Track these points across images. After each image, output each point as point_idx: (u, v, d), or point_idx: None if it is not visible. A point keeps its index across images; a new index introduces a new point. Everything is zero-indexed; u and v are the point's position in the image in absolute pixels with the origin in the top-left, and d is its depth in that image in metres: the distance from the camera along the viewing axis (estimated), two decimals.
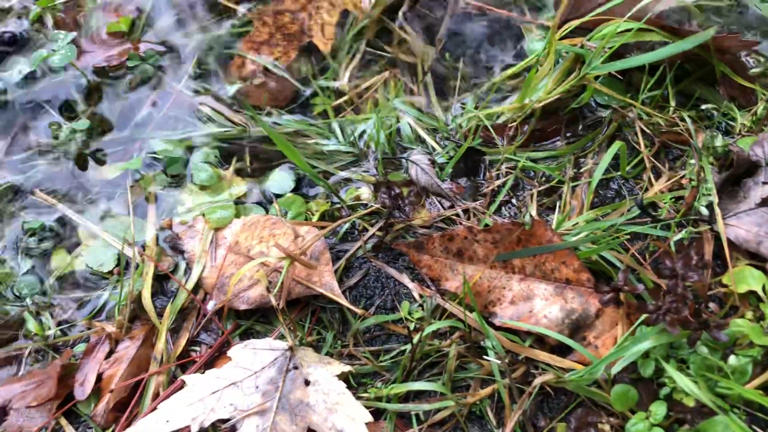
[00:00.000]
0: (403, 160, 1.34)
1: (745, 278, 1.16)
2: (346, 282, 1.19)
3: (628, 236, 1.21)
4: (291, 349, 1.08)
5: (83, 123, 1.31)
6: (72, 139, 1.32)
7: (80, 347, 1.15)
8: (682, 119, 1.35)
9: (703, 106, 1.38)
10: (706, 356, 1.06)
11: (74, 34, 1.36)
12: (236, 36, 1.50)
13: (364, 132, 1.38)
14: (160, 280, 1.21)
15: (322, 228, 1.19)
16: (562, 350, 1.11)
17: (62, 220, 1.28)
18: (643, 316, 1.07)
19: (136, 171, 1.31)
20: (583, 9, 1.41)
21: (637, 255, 1.20)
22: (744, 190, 1.25)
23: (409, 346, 1.09)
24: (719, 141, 1.32)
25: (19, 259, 1.24)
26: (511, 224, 1.16)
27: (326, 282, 1.14)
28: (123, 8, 1.50)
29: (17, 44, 1.44)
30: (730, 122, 1.37)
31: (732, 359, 1.06)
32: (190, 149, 1.36)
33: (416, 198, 1.29)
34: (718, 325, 1.06)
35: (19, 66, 1.39)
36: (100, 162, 1.34)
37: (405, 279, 1.19)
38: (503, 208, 1.29)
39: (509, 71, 1.45)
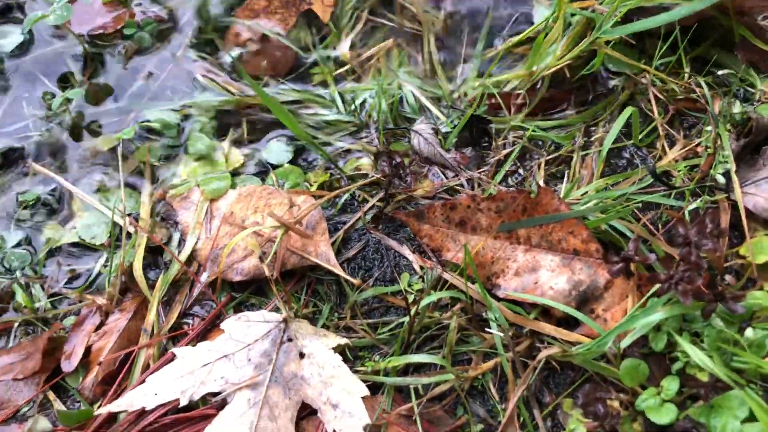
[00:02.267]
0: (406, 130, 1.29)
1: (763, 249, 1.10)
2: (344, 253, 1.15)
3: (640, 205, 1.16)
4: (285, 321, 1.04)
5: (76, 92, 1.28)
6: (65, 110, 1.29)
7: (70, 320, 1.11)
8: (698, 85, 1.28)
9: (720, 72, 1.31)
10: (721, 329, 1.01)
11: None
12: (235, 3, 1.45)
13: (365, 101, 1.33)
14: (154, 252, 1.18)
15: (320, 197, 1.15)
16: (569, 323, 1.06)
17: (56, 192, 1.25)
18: (655, 287, 1.02)
19: (130, 142, 1.27)
20: None
21: (648, 225, 1.14)
22: (763, 158, 1.19)
23: (408, 318, 1.05)
24: (737, 108, 1.26)
25: (11, 230, 1.21)
26: (516, 192, 1.10)
27: (322, 252, 1.10)
28: None
29: (10, 12, 1.41)
30: (749, 88, 1.31)
31: (749, 332, 1.00)
32: (187, 119, 1.32)
33: (419, 168, 1.25)
34: (734, 296, 1.00)
35: (13, 34, 1.36)
36: (95, 133, 1.31)
37: (405, 250, 1.14)
38: (509, 178, 1.24)
39: (517, 38, 1.39)
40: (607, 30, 1.22)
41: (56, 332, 1.09)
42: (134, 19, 1.38)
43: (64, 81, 1.38)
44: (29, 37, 1.38)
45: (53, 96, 1.32)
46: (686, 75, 1.30)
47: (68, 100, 1.28)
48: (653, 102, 1.27)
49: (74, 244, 1.20)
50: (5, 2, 1.42)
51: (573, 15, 1.30)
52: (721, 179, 1.17)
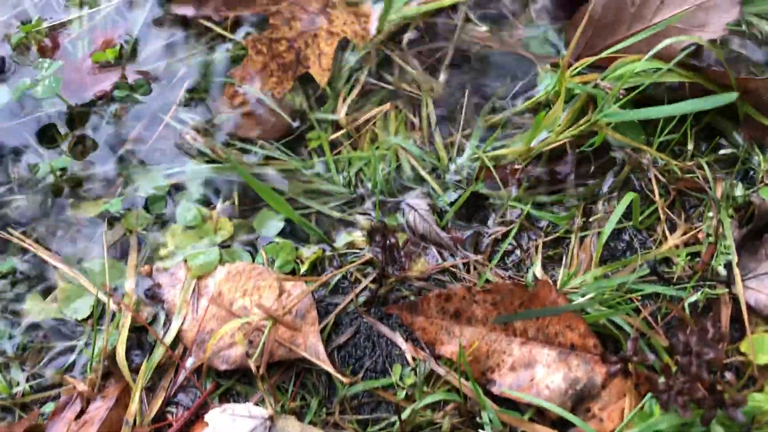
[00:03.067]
0: (401, 204, 1.26)
1: (764, 347, 1.08)
2: (334, 340, 1.11)
3: (640, 298, 1.13)
4: (271, 418, 1.00)
5: (63, 161, 1.24)
6: (54, 177, 1.25)
7: (49, 406, 1.08)
8: (700, 167, 1.26)
9: (722, 152, 1.29)
10: None
11: (60, 63, 1.28)
12: (229, 64, 1.42)
13: (361, 170, 1.30)
14: (138, 331, 1.14)
15: (310, 281, 1.11)
16: (565, 424, 1.03)
17: (37, 262, 1.21)
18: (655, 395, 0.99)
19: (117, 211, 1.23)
20: (599, 45, 1.32)
21: (648, 318, 1.12)
22: (766, 247, 1.16)
23: (401, 415, 1.01)
24: (739, 190, 1.24)
25: None
26: (512, 284, 1.08)
27: (311, 344, 1.06)
28: (110, 32, 1.42)
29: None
30: (752, 168, 1.28)
31: None
32: (176, 187, 1.28)
33: (413, 247, 1.21)
34: (734, 402, 0.97)
35: (1, 94, 1.32)
36: (81, 199, 1.27)
37: (398, 338, 1.11)
38: (506, 258, 1.21)
39: (518, 107, 1.36)
40: (609, 113, 1.20)
41: (35, 420, 1.05)
42: (126, 80, 1.34)
43: (51, 141, 1.34)
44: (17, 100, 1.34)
45: (36, 164, 1.28)
46: (689, 153, 1.28)
47: (54, 169, 1.24)
48: (654, 183, 1.25)
49: (56, 320, 1.16)
50: None
51: (575, 89, 1.27)
52: (723, 271, 1.14)
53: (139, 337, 1.14)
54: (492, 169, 1.26)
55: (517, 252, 1.21)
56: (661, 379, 0.97)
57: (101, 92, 1.34)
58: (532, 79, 1.41)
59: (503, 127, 1.35)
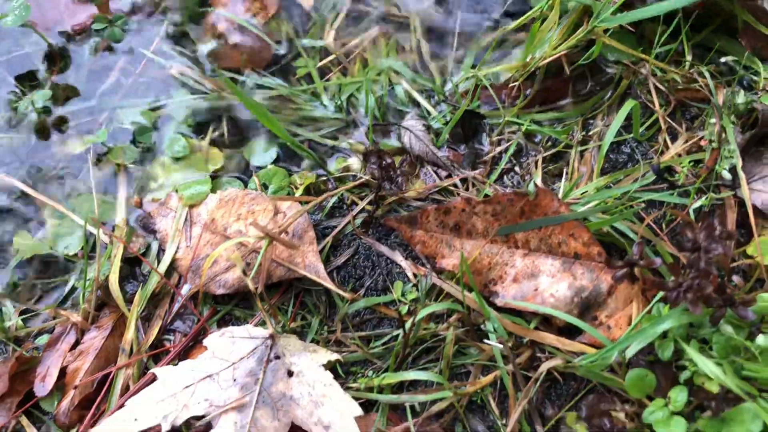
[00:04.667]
0: (396, 126, 1.22)
1: None
2: (333, 261, 1.08)
3: (643, 204, 1.10)
4: (272, 337, 0.98)
5: (43, 94, 1.20)
6: (34, 111, 1.21)
7: (43, 339, 1.05)
8: (701, 74, 1.22)
9: (723, 59, 1.25)
10: (730, 335, 0.96)
11: None
12: None
13: (352, 95, 1.26)
14: (131, 263, 1.11)
15: (306, 203, 1.08)
16: (571, 332, 1.01)
17: (26, 199, 1.17)
18: (661, 293, 0.97)
19: (103, 144, 1.20)
20: None
21: (653, 225, 1.09)
22: None
23: (402, 331, 0.99)
24: (741, 97, 1.20)
25: None
26: (513, 194, 1.04)
27: (310, 263, 1.03)
28: None
29: None
30: (753, 77, 1.25)
31: (760, 339, 0.95)
32: (163, 119, 1.24)
33: (410, 168, 1.18)
34: (743, 301, 0.95)
35: None
36: (66, 135, 1.23)
37: (398, 257, 1.08)
38: (505, 176, 1.18)
39: (511, 25, 1.32)
40: (606, 18, 1.16)
41: (28, 352, 1.02)
42: (105, 13, 1.29)
43: (31, 79, 1.29)
44: None
45: (19, 98, 1.24)
46: (688, 63, 1.24)
47: (34, 103, 1.20)
48: (654, 93, 1.21)
49: (46, 256, 1.13)
50: None
51: (569, 1, 1.23)
52: (727, 175, 1.12)
53: (133, 269, 1.11)
54: (488, 86, 1.23)
55: (517, 169, 1.18)
56: (671, 278, 0.94)
57: (78, 25, 1.29)
58: (526, 1, 1.37)
59: (497, 47, 1.31)
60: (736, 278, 1.06)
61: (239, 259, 0.96)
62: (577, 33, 1.21)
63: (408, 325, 0.95)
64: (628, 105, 1.13)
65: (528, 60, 1.23)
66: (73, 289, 1.10)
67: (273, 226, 1.04)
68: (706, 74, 1.22)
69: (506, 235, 1.05)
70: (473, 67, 1.29)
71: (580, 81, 1.27)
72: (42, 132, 1.23)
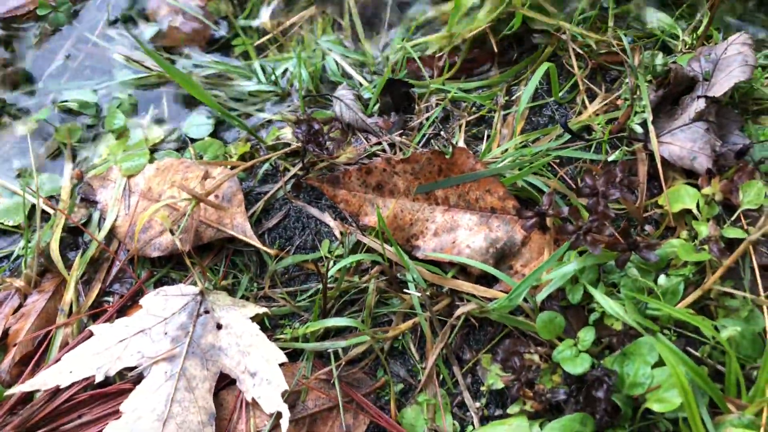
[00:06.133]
0: (329, 98, 1.28)
1: (680, 197, 1.10)
2: (264, 224, 1.14)
3: (558, 161, 1.16)
4: (202, 293, 1.03)
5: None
6: None
7: None
8: (618, 39, 1.28)
9: (649, 25, 1.31)
10: (636, 278, 1.01)
11: None
12: None
13: (287, 71, 1.32)
14: (75, 233, 1.16)
15: (235, 165, 1.13)
16: (489, 281, 1.06)
17: None
18: (569, 242, 1.02)
19: (49, 123, 1.25)
20: None
21: (567, 179, 1.15)
22: (681, 107, 1.19)
23: (322, 281, 1.05)
24: (659, 59, 1.26)
25: None
26: (430, 153, 1.10)
27: (238, 224, 1.09)
28: None
29: None
30: (672, 40, 1.31)
31: (662, 279, 1.01)
32: (106, 98, 1.30)
33: (341, 135, 1.24)
34: (648, 245, 1.01)
35: None
36: (14, 117, 1.28)
37: (326, 217, 1.13)
38: (432, 140, 1.23)
39: (441, 7, 1.37)
40: None
41: None
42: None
43: None
44: None
45: None
46: (609, 29, 1.30)
47: None
48: (573, 57, 1.27)
49: None
50: None
51: None
52: (639, 129, 1.17)
53: (76, 238, 1.16)
54: (416, 58, 1.28)
55: (442, 133, 1.24)
56: (570, 225, 1.00)
57: (20, 9, 1.35)
58: None
59: (427, 24, 1.36)
60: (648, 228, 1.11)
61: (166, 218, 1.01)
62: (498, 9, 1.26)
63: (326, 274, 1.00)
64: (543, 67, 1.18)
65: (453, 32, 1.28)
66: (17, 259, 1.15)
67: (202, 189, 1.09)
68: (624, 39, 1.27)
69: (427, 193, 1.11)
70: (402, 40, 1.34)
71: (507, 51, 1.33)
72: None
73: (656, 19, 1.33)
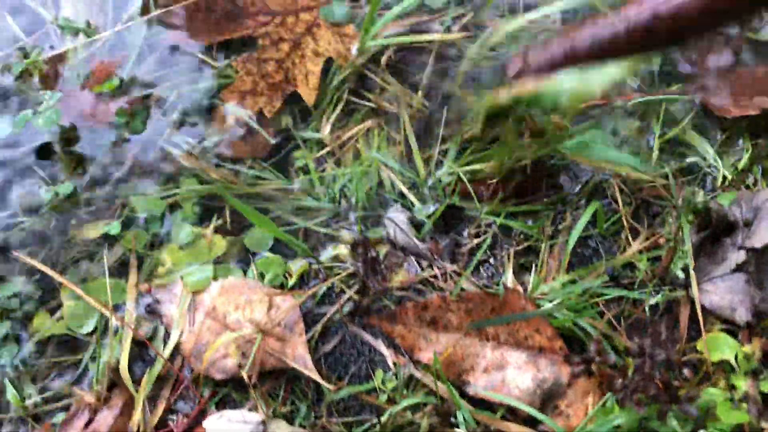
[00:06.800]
0: (382, 218, 1.34)
1: (719, 346, 1.16)
2: (321, 348, 1.20)
3: (604, 301, 1.22)
4: (263, 422, 1.10)
5: (66, 187, 1.33)
6: (56, 201, 1.34)
7: (59, 417, 1.16)
8: (664, 176, 1.34)
9: (688, 160, 1.37)
10: (676, 430, 1.07)
11: (59, 94, 1.37)
12: (219, 86, 1.50)
13: (344, 187, 1.38)
14: (140, 345, 1.23)
15: (297, 294, 1.20)
16: (535, 420, 1.12)
17: (43, 282, 1.30)
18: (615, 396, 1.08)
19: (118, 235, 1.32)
20: None
21: (612, 320, 1.20)
22: (722, 252, 1.25)
23: (382, 418, 1.11)
24: (700, 197, 1.32)
25: None
26: (483, 293, 1.16)
27: (299, 355, 1.15)
28: (108, 62, 1.51)
29: (2, 102, 1.45)
30: (713, 171, 1.37)
31: None
32: (171, 206, 1.37)
33: (394, 259, 1.30)
34: (688, 398, 1.07)
35: (3, 125, 1.40)
36: (83, 221, 1.35)
37: (380, 345, 1.20)
38: (481, 267, 1.29)
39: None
40: (569, 144, 1.28)
41: (46, 430, 1.14)
42: (125, 108, 1.43)
43: (52, 164, 1.42)
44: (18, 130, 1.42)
45: (40, 186, 1.37)
46: (653, 161, 1.36)
47: (57, 194, 1.33)
48: (618, 192, 1.33)
49: (62, 336, 1.25)
50: None
51: None
52: (681, 275, 1.23)
53: (141, 351, 1.23)
54: (467, 183, 1.34)
55: (491, 261, 1.30)
56: (619, 380, 1.05)
57: (101, 119, 1.42)
58: None
59: (479, 140, 1.43)
60: (686, 371, 1.17)
61: (235, 352, 1.08)
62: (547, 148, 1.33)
63: (386, 415, 1.06)
64: (593, 207, 1.25)
65: (504, 161, 1.34)
66: (85, 369, 1.21)
67: (267, 320, 1.16)
68: (669, 176, 1.33)
69: (478, 329, 1.17)
70: (456, 159, 1.40)
71: (555, 175, 1.39)
72: (61, 217, 1.35)
73: (701, 147, 1.39)
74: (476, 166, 1.36)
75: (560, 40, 1.07)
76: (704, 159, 1.38)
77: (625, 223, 1.30)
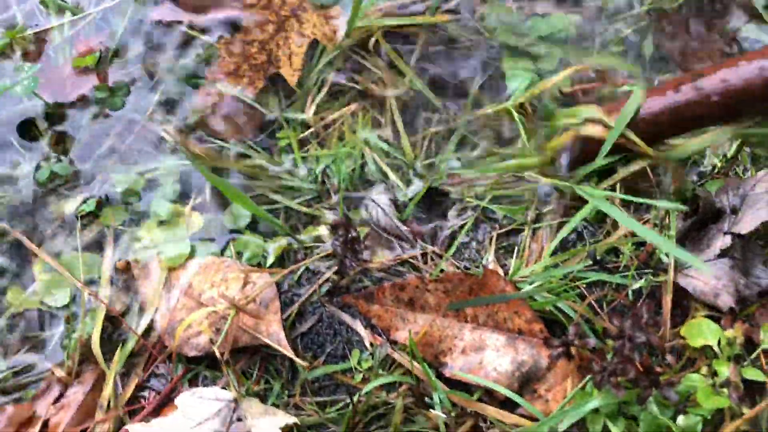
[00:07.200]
0: (365, 199, 1.33)
1: (702, 332, 1.14)
2: (298, 328, 1.18)
3: (586, 285, 1.20)
4: (235, 400, 1.08)
5: (64, 167, 1.32)
6: (35, 179, 1.33)
7: (31, 391, 1.15)
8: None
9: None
10: (656, 415, 1.05)
11: (38, 66, 1.36)
12: (203, 65, 1.48)
13: (327, 167, 1.36)
14: (114, 321, 1.21)
15: (274, 273, 1.18)
16: (513, 403, 1.10)
17: (18, 257, 1.28)
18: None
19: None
20: None
21: (594, 304, 1.18)
22: (707, 238, 1.23)
23: (355, 397, 1.09)
24: (689, 183, 1.30)
25: None
26: (462, 274, 1.14)
27: (273, 332, 1.13)
28: (92, 39, 1.49)
29: None
30: (701, 158, 1.35)
31: (681, 419, 1.05)
32: (151, 183, 1.35)
33: (375, 241, 1.28)
34: (669, 382, 1.05)
35: None
36: (61, 196, 1.34)
37: (358, 325, 1.18)
38: (463, 250, 1.27)
39: (482, 111, 1.42)
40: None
41: (27, 412, 1.12)
42: (106, 83, 1.41)
43: (33, 139, 1.40)
44: None
45: (20, 162, 1.35)
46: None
47: (53, 173, 1.31)
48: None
49: (35, 310, 1.23)
50: None
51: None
52: (666, 259, 1.21)
53: (115, 326, 1.21)
54: (459, 175, 1.33)
55: (473, 244, 1.28)
56: (598, 362, 1.03)
57: (81, 95, 1.40)
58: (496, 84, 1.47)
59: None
60: (670, 357, 1.15)
61: (207, 329, 1.06)
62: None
63: (361, 393, 1.04)
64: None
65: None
66: (59, 342, 1.20)
67: (241, 296, 1.14)
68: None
69: (457, 310, 1.15)
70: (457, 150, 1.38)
71: None
72: (39, 193, 1.34)
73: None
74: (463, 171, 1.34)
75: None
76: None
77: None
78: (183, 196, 1.35)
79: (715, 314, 1.16)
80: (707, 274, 1.16)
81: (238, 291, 1.16)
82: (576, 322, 1.09)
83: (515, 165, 1.32)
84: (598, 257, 1.22)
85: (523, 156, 1.32)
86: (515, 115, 1.36)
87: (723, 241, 1.18)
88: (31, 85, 1.30)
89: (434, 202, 1.33)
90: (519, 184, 1.33)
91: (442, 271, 1.21)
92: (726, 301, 1.14)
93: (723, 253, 1.17)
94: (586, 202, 1.18)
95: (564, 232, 1.21)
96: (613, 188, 1.26)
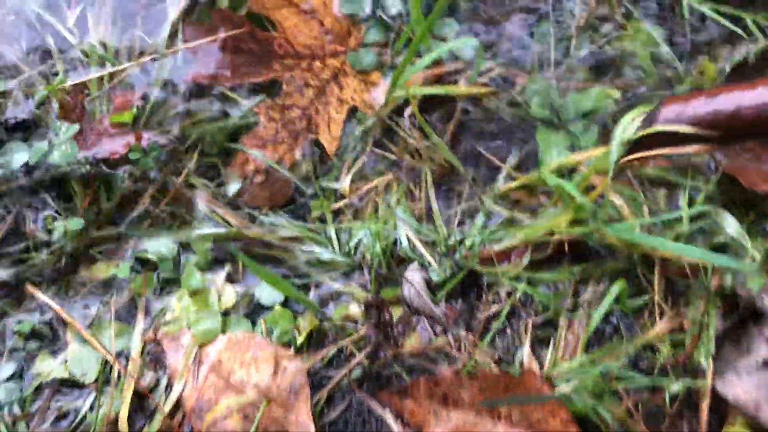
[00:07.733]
0: (398, 276, 1.31)
1: None
2: (326, 415, 1.16)
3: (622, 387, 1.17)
4: None
5: (76, 222, 1.30)
6: (68, 237, 1.31)
7: None
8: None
9: (716, 240, 1.33)
10: None
11: (76, 127, 1.35)
12: (241, 130, 1.47)
13: (360, 241, 1.35)
14: (141, 396, 1.19)
15: (305, 357, 1.16)
16: None
17: (48, 321, 1.27)
18: None
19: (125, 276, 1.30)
20: None
21: (630, 406, 1.16)
22: (747, 341, 1.20)
23: None
24: (728, 280, 1.27)
25: (4, 361, 1.23)
26: (498, 372, 1.12)
27: (302, 422, 1.12)
28: (129, 94, 1.49)
29: (22, 129, 1.43)
30: (741, 251, 1.32)
31: None
32: (184, 248, 1.34)
33: (407, 321, 1.26)
34: None
35: (20, 153, 1.38)
36: (93, 260, 1.33)
37: (388, 416, 1.16)
38: (497, 337, 1.25)
39: (515, 183, 1.40)
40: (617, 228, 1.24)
41: None
42: (140, 142, 1.40)
43: (68, 200, 1.39)
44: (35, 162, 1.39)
45: (54, 219, 1.35)
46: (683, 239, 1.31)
47: (67, 231, 1.30)
48: (644, 269, 1.29)
49: (64, 380, 1.22)
50: (16, 119, 1.44)
51: None
52: (704, 363, 1.18)
53: (142, 401, 1.20)
54: (491, 253, 1.31)
55: (508, 331, 1.26)
56: None
57: (114, 153, 1.40)
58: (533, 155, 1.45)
59: (503, 199, 1.39)
60: None
61: (236, 414, 1.04)
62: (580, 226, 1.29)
63: None
64: (617, 287, 1.20)
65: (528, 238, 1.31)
66: (84, 417, 1.18)
67: (272, 385, 1.12)
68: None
69: (490, 408, 1.13)
70: (484, 227, 1.35)
71: (580, 243, 1.34)
72: (72, 254, 1.33)
73: (730, 227, 1.34)
74: (499, 236, 1.32)
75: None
76: (733, 239, 1.33)
77: (655, 302, 1.25)
78: (216, 262, 1.34)
79: (755, 425, 1.13)
80: (748, 384, 1.13)
81: (269, 377, 1.15)
82: (613, 430, 1.07)
83: (545, 226, 1.29)
84: (634, 355, 1.20)
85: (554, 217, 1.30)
86: (549, 180, 1.32)
87: (766, 350, 1.15)
88: (69, 152, 1.29)
89: (469, 282, 1.31)
90: (556, 266, 1.31)
91: (476, 361, 1.19)
92: (767, 415, 1.11)
93: (766, 363, 1.14)
94: None
95: (596, 320, 1.18)
96: None
